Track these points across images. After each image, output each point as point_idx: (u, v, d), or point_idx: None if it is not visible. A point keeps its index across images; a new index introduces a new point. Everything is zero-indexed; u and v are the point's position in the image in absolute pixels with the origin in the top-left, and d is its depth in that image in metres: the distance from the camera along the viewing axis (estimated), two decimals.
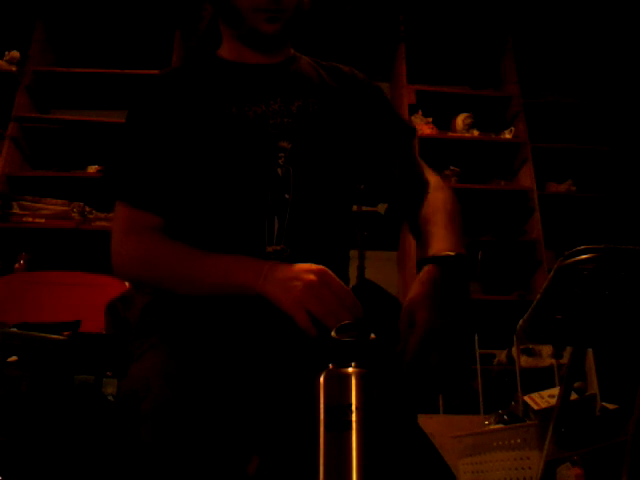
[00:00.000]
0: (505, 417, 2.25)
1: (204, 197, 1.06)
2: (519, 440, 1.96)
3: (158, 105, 1.11)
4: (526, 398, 2.24)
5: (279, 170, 1.05)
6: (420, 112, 3.58)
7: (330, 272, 0.89)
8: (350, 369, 0.69)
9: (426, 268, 0.93)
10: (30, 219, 3.12)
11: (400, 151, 1.21)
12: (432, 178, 1.19)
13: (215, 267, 0.96)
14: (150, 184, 1.07)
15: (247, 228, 1.02)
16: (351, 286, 0.94)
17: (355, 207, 2.68)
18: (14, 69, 3.35)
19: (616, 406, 2.08)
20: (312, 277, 0.88)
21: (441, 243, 0.98)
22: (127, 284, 1.59)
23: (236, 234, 1.03)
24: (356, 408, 0.68)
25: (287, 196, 1.04)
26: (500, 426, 2.19)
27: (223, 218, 1.05)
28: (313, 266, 0.90)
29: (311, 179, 1.07)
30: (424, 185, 1.17)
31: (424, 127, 3.52)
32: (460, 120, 3.62)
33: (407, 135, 1.24)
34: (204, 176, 1.06)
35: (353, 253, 2.48)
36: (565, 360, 1.94)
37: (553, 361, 2.67)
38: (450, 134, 3.60)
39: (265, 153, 1.06)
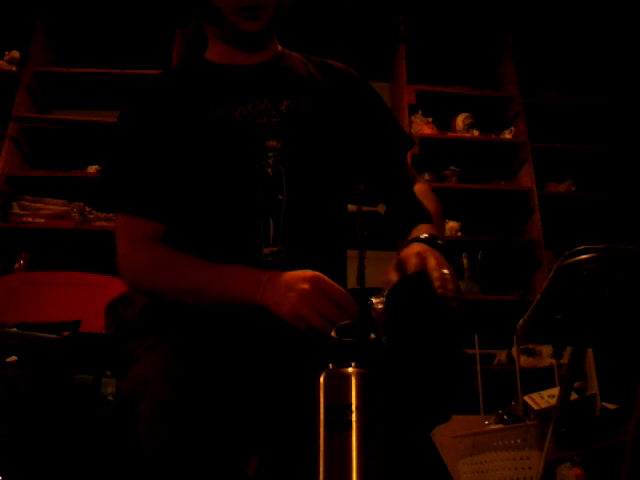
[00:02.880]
0: (505, 417, 2.25)
1: (197, 201, 1.06)
2: (519, 440, 1.96)
3: (147, 112, 1.11)
4: (526, 398, 2.24)
5: (269, 170, 1.05)
6: (420, 112, 3.58)
7: (325, 278, 0.89)
8: (350, 369, 0.69)
9: (417, 245, 0.96)
10: (30, 219, 3.12)
11: (394, 161, 1.22)
12: (420, 186, 1.21)
13: (216, 280, 0.97)
14: (147, 192, 1.07)
15: (243, 230, 1.02)
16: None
17: (355, 207, 2.68)
18: (14, 69, 3.35)
19: (616, 406, 2.07)
20: (306, 286, 0.88)
21: (429, 231, 1.02)
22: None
23: (232, 237, 1.03)
24: (356, 408, 0.67)
25: (280, 197, 1.04)
26: (500, 426, 2.19)
27: (218, 221, 1.05)
28: (308, 274, 0.90)
29: (303, 179, 1.07)
30: (412, 194, 1.19)
31: (424, 127, 3.52)
32: (460, 120, 3.62)
33: (403, 146, 1.25)
34: (195, 180, 1.06)
35: (353, 253, 2.48)
36: (565, 360, 1.94)
37: (553, 361, 2.67)
38: (450, 134, 3.60)
39: (252, 153, 1.06)
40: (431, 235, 0.99)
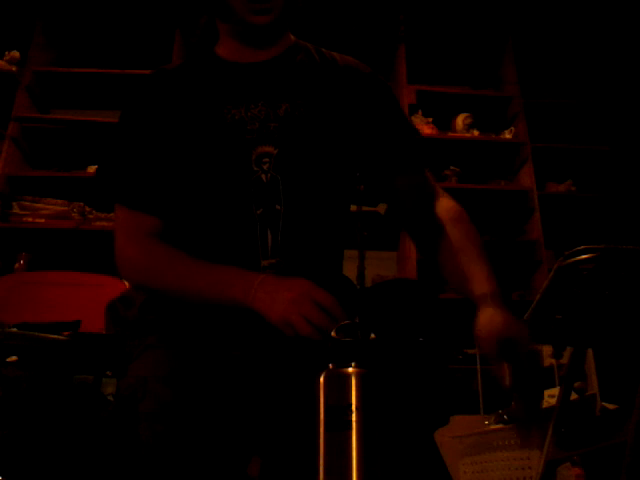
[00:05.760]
0: (505, 417, 2.25)
1: (193, 204, 1.05)
2: (519, 440, 1.96)
3: (150, 106, 1.10)
4: None
5: (263, 176, 1.03)
6: (420, 112, 3.57)
7: (314, 285, 0.89)
8: (350, 369, 0.69)
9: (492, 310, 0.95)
10: (30, 219, 3.12)
11: (406, 165, 1.16)
12: (448, 203, 1.15)
13: (211, 281, 0.96)
14: (146, 186, 1.06)
15: (239, 242, 1.01)
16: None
17: (355, 207, 2.67)
18: (14, 69, 3.34)
19: (616, 406, 2.07)
20: (296, 293, 0.88)
21: (487, 282, 1.00)
22: (127, 284, 1.59)
23: (229, 248, 1.02)
24: (356, 408, 0.67)
25: (278, 207, 1.02)
26: (500, 426, 2.19)
27: (214, 229, 1.04)
28: (300, 281, 0.90)
29: (302, 188, 1.04)
30: (439, 210, 1.13)
31: (424, 127, 3.51)
32: (460, 120, 3.61)
33: (415, 148, 1.18)
34: (190, 182, 1.05)
35: (353, 253, 2.48)
36: (565, 360, 1.94)
37: (553, 361, 2.66)
38: (450, 134, 3.60)
39: (241, 159, 1.03)
40: (493, 292, 0.98)
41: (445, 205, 1.14)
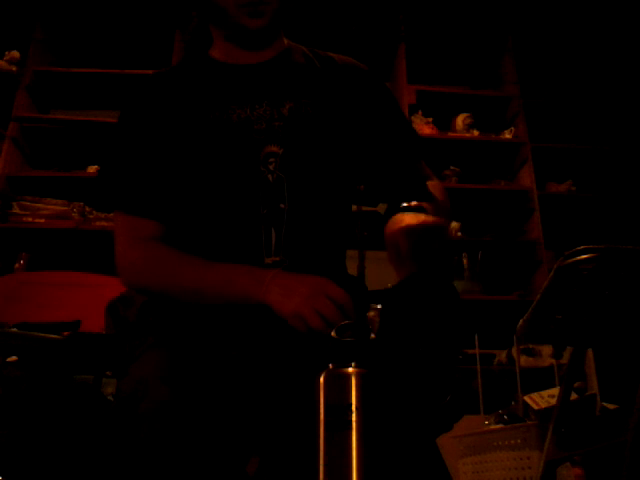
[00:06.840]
0: (505, 417, 2.25)
1: (197, 205, 1.05)
2: (519, 440, 1.96)
3: (148, 109, 1.10)
4: (526, 398, 2.24)
5: (270, 176, 1.03)
6: (420, 112, 3.57)
7: (330, 282, 0.89)
8: (350, 369, 0.69)
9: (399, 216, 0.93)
10: (30, 219, 3.12)
11: (406, 162, 1.19)
12: (432, 182, 1.17)
13: (218, 278, 0.96)
14: (146, 191, 1.06)
15: (244, 240, 1.01)
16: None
17: (355, 207, 2.67)
18: (14, 69, 3.34)
19: (616, 406, 2.07)
20: (311, 289, 0.88)
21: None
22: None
23: (233, 246, 1.02)
24: (356, 408, 0.67)
25: (282, 205, 1.02)
26: (500, 426, 2.19)
27: (218, 229, 1.03)
28: (315, 277, 0.91)
29: (306, 187, 1.05)
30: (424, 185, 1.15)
31: (424, 127, 3.51)
32: (460, 120, 3.61)
33: (414, 146, 1.20)
34: (193, 184, 1.05)
35: (353, 253, 2.48)
36: (565, 360, 1.95)
37: (553, 361, 2.67)
38: (450, 134, 3.60)
39: (249, 159, 1.03)
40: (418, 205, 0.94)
41: (431, 182, 1.17)
